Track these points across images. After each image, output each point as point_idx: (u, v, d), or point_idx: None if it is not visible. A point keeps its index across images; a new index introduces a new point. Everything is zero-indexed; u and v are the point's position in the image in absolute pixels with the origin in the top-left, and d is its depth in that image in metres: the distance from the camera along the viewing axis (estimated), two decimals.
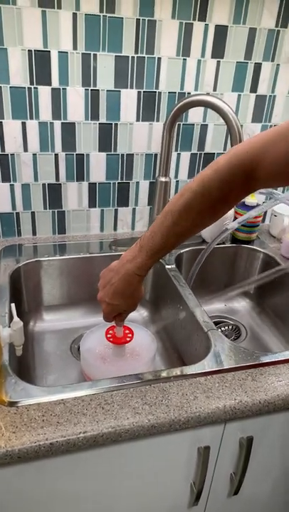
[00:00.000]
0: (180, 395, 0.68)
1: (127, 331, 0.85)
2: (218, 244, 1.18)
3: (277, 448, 0.78)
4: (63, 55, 0.94)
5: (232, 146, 0.91)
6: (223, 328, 1.13)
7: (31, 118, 0.99)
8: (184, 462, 0.72)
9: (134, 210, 1.18)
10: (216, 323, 1.14)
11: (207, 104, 0.94)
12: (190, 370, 0.73)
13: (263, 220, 1.29)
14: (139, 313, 1.14)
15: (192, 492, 0.76)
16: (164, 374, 0.72)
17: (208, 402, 0.67)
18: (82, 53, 0.95)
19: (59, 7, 0.89)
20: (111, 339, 0.83)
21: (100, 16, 0.92)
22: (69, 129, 1.02)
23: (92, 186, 1.11)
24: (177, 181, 1.18)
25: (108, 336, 0.84)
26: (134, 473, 0.70)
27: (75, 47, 0.94)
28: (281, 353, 0.79)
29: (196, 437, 0.69)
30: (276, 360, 0.77)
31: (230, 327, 1.14)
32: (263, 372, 0.74)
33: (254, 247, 1.18)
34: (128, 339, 0.84)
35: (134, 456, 0.67)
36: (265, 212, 1.28)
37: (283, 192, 1.29)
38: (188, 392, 0.68)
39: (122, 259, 0.73)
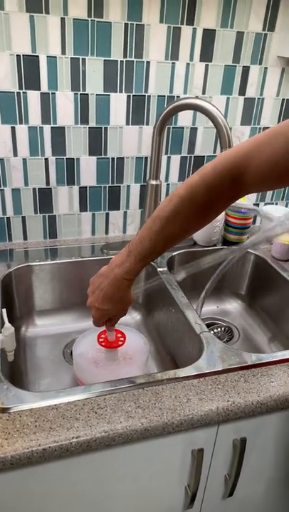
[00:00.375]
0: (173, 398, 0.68)
1: (119, 335, 0.85)
2: (209, 246, 1.18)
3: (271, 449, 0.78)
4: (52, 60, 0.94)
5: (221, 148, 0.91)
6: (215, 330, 1.14)
7: (21, 123, 0.98)
8: (178, 465, 0.72)
9: (125, 213, 1.19)
10: (208, 325, 1.14)
11: (196, 108, 0.94)
12: (183, 372, 0.73)
13: (254, 222, 1.30)
14: (132, 317, 1.14)
15: (187, 495, 0.76)
16: (156, 377, 0.72)
17: (201, 404, 0.67)
18: (71, 58, 0.95)
19: (47, 12, 0.90)
20: (103, 343, 0.83)
21: (88, 20, 0.93)
22: (59, 134, 1.02)
23: (82, 190, 1.11)
24: (168, 184, 1.18)
25: (100, 340, 0.84)
26: (129, 477, 0.70)
27: (63, 51, 0.94)
28: (273, 354, 0.80)
29: (189, 440, 0.69)
30: (268, 361, 0.77)
31: (222, 329, 1.14)
32: (255, 373, 0.74)
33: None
34: (120, 343, 0.84)
35: (127, 460, 0.67)
36: (256, 214, 1.29)
37: (272, 197, 1.30)
38: (181, 395, 0.68)
39: (110, 264, 0.74)
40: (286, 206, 1.31)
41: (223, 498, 0.80)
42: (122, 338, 0.85)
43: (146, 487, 0.73)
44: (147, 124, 1.08)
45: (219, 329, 1.14)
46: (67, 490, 0.66)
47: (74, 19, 0.92)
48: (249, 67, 1.09)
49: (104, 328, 0.83)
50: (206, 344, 0.80)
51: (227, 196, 0.64)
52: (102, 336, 0.84)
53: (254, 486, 0.83)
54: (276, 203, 1.31)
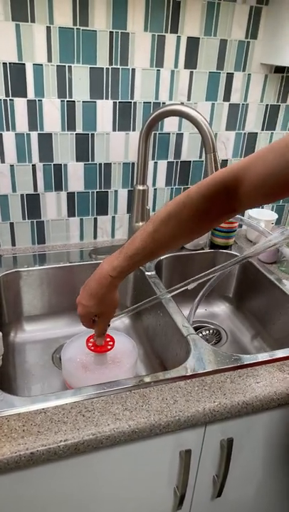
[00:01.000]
0: (160, 400, 0.68)
1: (108, 339, 0.86)
2: (196, 250, 1.20)
3: (259, 449, 0.80)
4: (38, 68, 0.95)
5: (206, 154, 0.93)
6: (204, 333, 1.15)
7: (8, 129, 0.99)
8: (167, 466, 0.73)
9: (113, 218, 1.20)
10: (197, 328, 1.15)
11: (180, 114, 0.96)
12: (170, 374, 0.74)
13: (240, 225, 1.32)
14: (121, 321, 1.15)
15: (175, 496, 0.76)
16: (144, 380, 0.73)
17: (188, 405, 0.68)
18: (57, 65, 0.96)
19: (32, 21, 0.91)
20: (92, 347, 0.84)
21: (73, 28, 0.94)
22: (46, 140, 1.03)
23: (70, 196, 1.12)
24: (155, 189, 1.19)
25: (89, 344, 0.84)
26: (117, 479, 0.70)
27: (49, 59, 0.95)
28: (259, 354, 0.81)
29: (177, 441, 0.70)
30: (254, 362, 0.78)
31: (211, 331, 1.16)
32: (241, 374, 0.75)
33: (232, 252, 1.20)
34: (109, 347, 0.85)
35: (115, 462, 0.68)
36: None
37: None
38: (168, 397, 0.69)
39: (103, 262, 0.75)
40: (272, 210, 1.33)
41: (212, 498, 0.81)
42: (110, 343, 0.85)
43: (135, 489, 0.73)
44: (134, 130, 1.09)
45: (207, 332, 1.15)
46: (55, 493, 0.67)
47: (60, 27, 0.93)
48: (233, 73, 1.11)
49: (93, 332, 0.83)
50: (193, 346, 0.82)
51: (222, 209, 0.66)
52: (91, 340, 0.85)
53: (243, 486, 0.84)
54: (262, 207, 1.33)
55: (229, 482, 0.77)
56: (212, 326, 1.17)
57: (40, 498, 0.66)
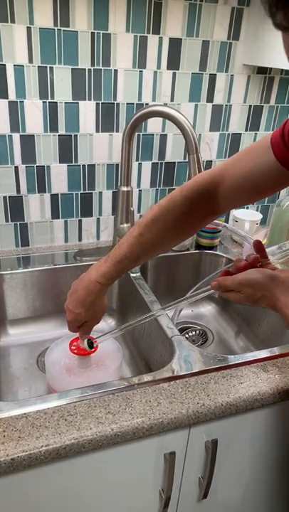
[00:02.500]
0: (143, 402, 0.68)
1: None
2: (182, 251, 1.20)
3: (244, 449, 0.79)
4: (19, 69, 0.94)
5: (189, 155, 0.93)
6: (190, 334, 1.15)
7: None
8: (151, 469, 0.72)
9: (98, 219, 1.19)
10: (183, 329, 1.15)
11: (163, 115, 0.96)
12: (153, 376, 0.73)
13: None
14: (107, 323, 1.14)
15: (161, 499, 0.76)
16: (127, 382, 0.72)
17: (171, 407, 0.67)
18: (38, 66, 0.96)
19: (12, 21, 0.90)
20: (75, 351, 0.83)
21: (54, 29, 0.93)
22: (28, 142, 1.02)
23: (54, 197, 1.11)
24: (140, 190, 1.19)
25: (72, 347, 0.83)
26: (101, 483, 0.69)
27: (30, 60, 0.94)
28: (243, 354, 0.81)
29: (161, 443, 0.70)
30: (238, 362, 0.78)
31: (197, 332, 1.15)
32: (226, 375, 0.75)
33: (217, 253, 1.20)
34: (92, 349, 0.84)
35: (99, 466, 0.67)
36: (227, 218, 1.31)
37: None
38: (151, 399, 0.69)
39: (90, 268, 0.75)
40: (257, 210, 1.34)
41: (198, 500, 0.81)
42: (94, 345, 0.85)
43: (120, 493, 0.73)
44: (117, 131, 1.09)
45: (194, 332, 1.15)
46: (37, 500, 0.66)
47: (40, 28, 0.92)
48: (216, 74, 1.11)
49: (76, 335, 0.82)
50: (177, 348, 0.81)
51: (204, 211, 0.68)
52: (74, 343, 0.84)
53: (229, 487, 0.84)
54: (247, 207, 1.33)
55: (215, 483, 0.77)
56: (198, 327, 1.17)
57: (21, 504, 0.65)
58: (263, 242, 1.17)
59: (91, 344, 0.80)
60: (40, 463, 0.60)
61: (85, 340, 0.80)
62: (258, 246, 0.66)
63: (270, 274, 0.60)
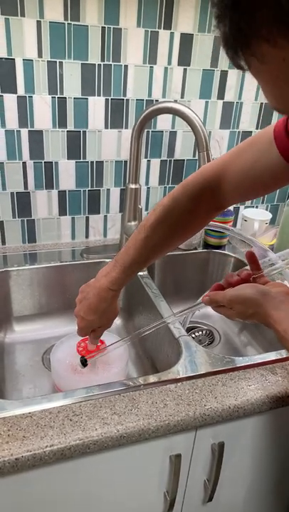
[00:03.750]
0: (150, 404, 0.67)
1: (99, 343, 0.84)
2: (190, 250, 1.18)
3: (250, 453, 0.78)
4: (28, 63, 0.93)
5: (199, 152, 0.91)
6: (197, 334, 1.13)
7: None
8: (157, 471, 0.71)
9: (105, 217, 1.18)
10: (189, 329, 1.14)
11: (173, 111, 0.94)
12: (160, 377, 0.72)
13: (234, 225, 1.30)
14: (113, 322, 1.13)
15: (166, 501, 0.75)
16: (133, 383, 0.71)
17: (178, 409, 0.66)
18: (48, 61, 0.94)
19: (22, 15, 0.89)
20: (83, 352, 0.82)
21: (64, 23, 0.92)
22: (36, 137, 1.01)
23: (61, 194, 1.10)
24: (148, 188, 1.18)
25: (80, 349, 0.83)
26: (106, 484, 0.69)
27: (40, 55, 0.93)
28: (251, 357, 0.80)
29: (167, 445, 0.69)
30: (246, 364, 0.77)
31: (203, 332, 1.14)
32: (233, 377, 0.74)
33: (225, 252, 1.19)
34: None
35: (104, 467, 0.66)
36: (236, 217, 1.30)
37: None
38: (158, 400, 0.68)
39: (98, 275, 0.75)
40: (266, 209, 1.32)
41: (203, 503, 0.80)
42: (102, 346, 0.84)
43: (124, 494, 0.72)
44: (126, 127, 1.07)
45: (200, 333, 1.14)
46: (41, 500, 0.65)
47: (50, 22, 0.91)
48: (227, 71, 1.10)
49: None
50: (184, 348, 0.80)
51: (208, 206, 0.67)
52: (82, 344, 0.83)
53: (234, 490, 0.82)
54: (256, 207, 1.31)
55: (220, 486, 0.76)
56: (205, 327, 1.16)
57: (25, 504, 0.64)
58: (272, 242, 1.15)
59: (84, 361, 0.79)
60: (44, 463, 0.59)
61: (79, 358, 0.80)
62: (252, 257, 0.64)
63: (262, 289, 0.59)
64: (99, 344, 0.84)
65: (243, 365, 0.77)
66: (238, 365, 0.77)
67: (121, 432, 0.62)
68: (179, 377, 0.73)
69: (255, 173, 0.58)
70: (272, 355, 0.79)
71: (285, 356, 0.79)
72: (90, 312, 0.74)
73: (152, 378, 0.72)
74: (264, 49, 0.31)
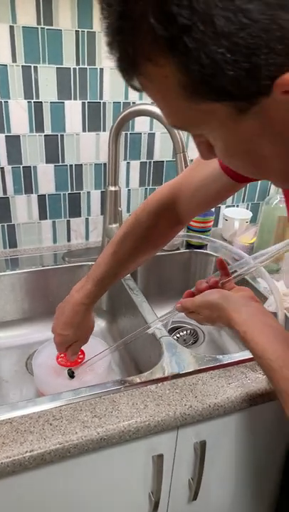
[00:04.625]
0: (130, 405, 0.67)
1: (79, 353, 0.84)
2: (172, 250, 1.19)
3: (233, 450, 0.79)
4: (3, 68, 0.93)
5: (175, 153, 0.92)
6: (181, 334, 1.14)
7: None
8: (140, 472, 0.72)
9: (87, 220, 1.18)
10: (174, 329, 1.15)
11: (149, 114, 0.95)
12: (141, 378, 0.73)
13: (216, 225, 1.31)
14: (97, 324, 1.12)
15: (151, 501, 0.75)
16: (114, 385, 0.71)
17: (159, 409, 0.67)
18: (23, 66, 0.94)
19: None
20: (62, 362, 0.82)
21: (37, 28, 0.92)
22: (14, 142, 1.01)
23: (41, 198, 1.10)
24: (129, 190, 1.18)
25: (59, 359, 0.83)
26: (88, 488, 0.69)
27: (14, 59, 0.93)
28: (232, 355, 0.80)
29: (149, 446, 0.69)
30: (227, 362, 0.78)
31: (188, 332, 1.15)
32: (214, 375, 0.75)
33: (207, 252, 1.19)
34: (79, 360, 0.83)
35: (86, 470, 0.66)
36: (217, 216, 1.31)
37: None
38: (138, 402, 0.68)
39: (72, 291, 0.77)
40: (247, 208, 1.33)
41: (188, 502, 0.80)
42: (81, 356, 0.84)
43: (108, 497, 0.72)
44: (104, 130, 1.07)
45: (184, 332, 1.15)
46: (21, 505, 0.65)
47: (23, 27, 0.91)
48: None
49: None
50: (165, 349, 0.80)
51: (168, 222, 0.73)
52: (61, 354, 0.83)
53: (219, 488, 0.83)
54: (237, 206, 1.33)
55: (205, 485, 0.77)
56: (189, 327, 1.16)
57: (4, 510, 0.64)
58: (252, 241, 1.16)
59: (72, 374, 0.81)
60: (24, 469, 0.59)
61: (67, 370, 0.81)
62: (221, 264, 0.68)
63: (225, 294, 0.62)
64: (80, 356, 0.84)
65: (223, 363, 0.77)
66: (219, 364, 0.77)
67: (101, 435, 0.62)
68: (159, 377, 0.73)
69: (204, 189, 0.65)
70: None
71: None
72: (66, 327, 0.77)
73: (133, 380, 0.72)
74: (149, 68, 0.34)
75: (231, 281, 0.67)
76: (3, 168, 1.02)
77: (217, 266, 0.68)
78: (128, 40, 0.33)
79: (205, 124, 0.37)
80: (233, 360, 0.78)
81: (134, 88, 0.38)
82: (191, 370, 0.75)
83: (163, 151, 1.16)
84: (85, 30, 0.96)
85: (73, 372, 0.82)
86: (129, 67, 0.35)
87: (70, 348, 0.80)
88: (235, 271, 0.71)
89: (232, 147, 0.39)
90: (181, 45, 0.30)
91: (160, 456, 0.69)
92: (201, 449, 0.72)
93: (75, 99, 1.02)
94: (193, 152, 1.21)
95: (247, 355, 0.80)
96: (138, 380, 0.72)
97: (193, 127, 0.39)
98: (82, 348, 0.83)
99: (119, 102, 1.06)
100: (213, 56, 0.30)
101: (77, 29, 0.95)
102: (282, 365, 0.52)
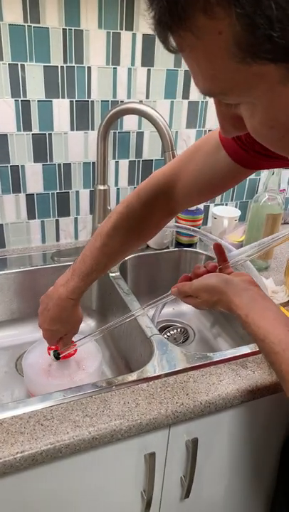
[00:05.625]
0: (122, 404, 0.67)
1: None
2: (162, 249, 1.19)
3: (224, 447, 0.79)
4: None
5: (164, 152, 0.92)
6: (171, 332, 1.14)
7: None
8: (132, 471, 0.71)
9: (76, 219, 1.17)
10: (164, 328, 1.15)
11: (137, 112, 0.95)
12: (132, 377, 0.73)
13: (205, 223, 1.32)
14: (86, 323, 1.13)
15: (143, 499, 0.75)
16: (105, 384, 0.71)
17: (150, 408, 0.67)
18: (9, 64, 0.93)
19: None
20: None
21: (24, 26, 0.91)
22: (1, 141, 1.00)
23: (30, 197, 1.09)
24: (118, 189, 1.18)
25: (50, 352, 0.82)
26: (81, 487, 0.68)
27: (0, 58, 0.92)
28: (222, 352, 0.81)
29: (141, 445, 0.69)
30: (218, 360, 0.78)
31: (178, 330, 1.15)
32: (205, 373, 0.75)
33: (197, 250, 1.20)
34: (73, 352, 0.83)
35: (78, 470, 0.66)
36: (206, 215, 1.31)
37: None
38: (130, 400, 0.68)
39: (55, 284, 0.75)
40: (235, 207, 1.34)
41: (181, 500, 0.80)
42: (72, 347, 0.83)
43: (101, 496, 0.72)
44: (92, 129, 1.07)
45: (175, 331, 1.15)
46: (14, 506, 0.64)
47: (10, 24, 0.90)
48: None
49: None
50: (156, 347, 0.80)
51: (162, 212, 0.69)
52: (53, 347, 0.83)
53: (211, 485, 0.83)
54: (226, 204, 1.33)
55: (197, 482, 0.77)
56: (180, 325, 1.17)
57: None
58: (241, 239, 1.17)
59: (57, 355, 0.80)
60: (16, 470, 0.59)
61: (52, 352, 0.80)
62: (218, 249, 0.66)
63: (225, 278, 0.61)
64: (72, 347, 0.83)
65: (214, 360, 0.78)
66: (210, 361, 0.77)
67: (93, 434, 0.62)
68: (151, 376, 0.73)
69: (205, 176, 0.61)
70: (243, 350, 0.81)
71: (255, 350, 0.80)
72: (53, 322, 0.75)
73: (124, 378, 0.72)
74: (201, 22, 0.30)
75: (229, 267, 0.65)
76: None
77: (214, 251, 0.66)
78: None
79: (250, 90, 0.33)
80: (224, 358, 0.78)
81: (169, 48, 0.34)
82: (182, 368, 0.75)
83: (151, 149, 1.16)
84: (73, 28, 0.95)
85: (59, 354, 0.80)
86: (175, 21, 0.30)
87: (62, 341, 0.78)
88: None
89: (275, 116, 0.34)
90: None
91: (152, 455, 0.69)
92: (193, 446, 0.72)
93: (63, 97, 1.01)
94: (182, 150, 1.21)
95: (238, 352, 0.80)
96: (129, 379, 0.72)
97: (235, 94, 0.34)
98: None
99: (108, 101, 1.06)
100: (285, 7, 0.27)
101: (64, 27, 0.94)
102: (284, 348, 0.52)
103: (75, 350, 0.83)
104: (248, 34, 0.29)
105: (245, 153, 0.55)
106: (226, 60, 0.31)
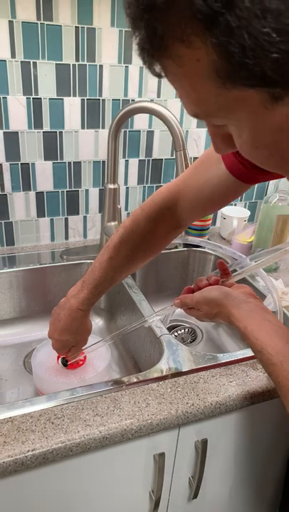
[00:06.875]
0: (132, 404, 0.67)
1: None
2: (170, 249, 1.19)
3: (233, 448, 0.79)
4: (1, 64, 0.92)
5: (176, 151, 0.92)
6: (179, 332, 1.14)
7: None
8: (141, 471, 0.71)
9: (85, 218, 1.17)
10: (172, 328, 1.14)
11: (149, 111, 0.94)
12: (142, 377, 0.72)
13: (214, 223, 1.31)
14: (95, 323, 1.12)
15: (151, 500, 0.75)
16: (115, 383, 0.71)
17: (160, 408, 0.66)
18: (22, 61, 0.93)
19: None
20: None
21: (37, 23, 0.91)
22: (12, 139, 1.00)
23: (39, 195, 1.09)
24: (127, 188, 1.18)
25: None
26: (90, 487, 0.68)
27: (13, 55, 0.92)
28: (232, 353, 0.80)
29: (151, 445, 0.69)
30: (227, 361, 0.78)
31: (186, 330, 1.15)
32: (215, 374, 0.75)
33: (205, 250, 1.19)
34: (81, 362, 0.83)
35: (87, 469, 0.66)
36: (215, 215, 1.31)
37: None
38: (140, 400, 0.68)
39: (67, 295, 0.76)
40: (245, 207, 1.33)
41: (189, 500, 0.80)
42: (82, 357, 0.83)
43: (109, 496, 0.72)
44: (103, 127, 1.07)
45: (183, 331, 1.14)
46: (23, 505, 0.64)
47: (23, 22, 0.90)
48: None
49: None
50: (166, 347, 0.80)
51: (167, 227, 0.70)
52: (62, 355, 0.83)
53: (219, 486, 0.83)
54: (235, 204, 1.33)
55: (205, 483, 0.77)
56: (187, 325, 1.16)
57: (6, 510, 0.63)
58: (251, 239, 1.16)
59: (66, 362, 0.80)
60: (26, 468, 0.59)
61: (60, 359, 0.81)
62: (222, 266, 0.68)
63: (225, 291, 0.63)
64: (82, 357, 0.83)
65: (224, 361, 0.77)
66: (220, 362, 0.77)
67: (103, 434, 0.62)
68: (160, 376, 0.73)
69: (208, 191, 0.62)
70: (252, 351, 0.80)
71: None
72: (64, 333, 0.76)
73: (134, 378, 0.72)
74: (179, 50, 0.31)
75: (231, 280, 0.67)
76: (1, 164, 1.01)
77: (218, 267, 0.68)
78: (159, 18, 0.30)
79: (233, 113, 0.34)
80: (234, 359, 0.78)
81: (154, 73, 0.35)
82: (191, 369, 0.75)
83: (162, 149, 1.16)
84: (85, 26, 0.95)
85: (67, 361, 0.80)
86: (156, 49, 0.32)
87: (71, 352, 0.79)
88: (235, 270, 0.72)
89: (260, 137, 0.35)
90: (223, 24, 0.27)
91: (162, 455, 0.69)
92: (202, 447, 0.72)
93: (74, 95, 1.01)
94: (192, 150, 1.21)
95: (247, 353, 0.80)
96: (139, 379, 0.72)
97: (219, 116, 0.36)
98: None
99: (119, 100, 1.05)
100: (257, 36, 0.27)
101: (77, 25, 0.94)
102: (282, 359, 0.53)
103: (84, 360, 0.83)
104: (224, 62, 0.29)
105: (244, 168, 0.56)
106: (208, 86, 0.32)
